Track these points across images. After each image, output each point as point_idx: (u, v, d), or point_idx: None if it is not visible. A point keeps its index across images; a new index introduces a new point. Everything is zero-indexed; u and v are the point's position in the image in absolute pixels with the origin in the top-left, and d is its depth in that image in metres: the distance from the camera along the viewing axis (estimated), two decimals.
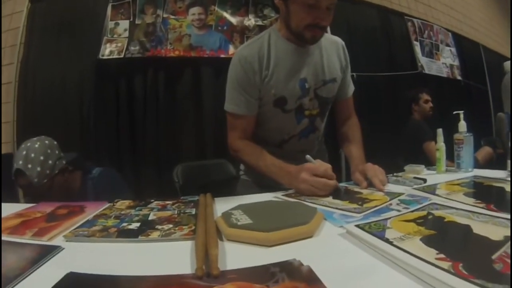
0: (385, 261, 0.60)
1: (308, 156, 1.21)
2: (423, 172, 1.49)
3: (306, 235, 0.75)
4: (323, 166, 1.15)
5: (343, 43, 1.54)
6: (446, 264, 0.53)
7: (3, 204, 1.07)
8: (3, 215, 0.95)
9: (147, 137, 3.10)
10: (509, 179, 1.22)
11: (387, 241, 0.65)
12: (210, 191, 1.18)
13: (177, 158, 2.85)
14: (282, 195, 1.18)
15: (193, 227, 0.81)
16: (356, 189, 1.20)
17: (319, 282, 0.52)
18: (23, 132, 2.86)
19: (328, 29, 3.22)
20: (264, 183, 1.36)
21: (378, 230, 0.71)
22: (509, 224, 0.70)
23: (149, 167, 3.03)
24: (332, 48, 1.48)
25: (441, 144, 1.51)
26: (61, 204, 1.10)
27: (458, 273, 0.50)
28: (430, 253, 0.58)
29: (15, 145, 2.89)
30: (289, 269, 0.57)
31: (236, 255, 0.68)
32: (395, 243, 0.63)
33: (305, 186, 1.14)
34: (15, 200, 2.46)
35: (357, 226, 0.74)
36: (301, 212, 0.87)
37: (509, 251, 0.57)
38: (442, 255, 0.56)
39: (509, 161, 1.30)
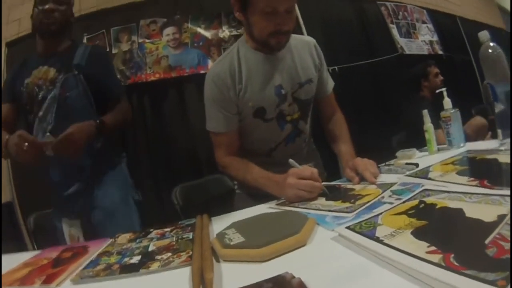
0: (378, 262, 0.59)
1: (291, 160, 1.19)
2: (415, 156, 1.48)
3: (299, 244, 0.75)
4: (308, 169, 1.14)
5: (315, 41, 1.53)
6: (437, 257, 0.51)
7: (12, 255, 1.12)
8: (12, 266, 0.97)
9: (141, 163, 3.07)
10: (502, 148, 1.20)
11: (377, 240, 0.63)
12: (211, 208, 1.20)
13: (173, 179, 2.83)
14: (276, 204, 1.17)
15: (191, 253, 0.81)
16: (349, 185, 1.18)
17: None
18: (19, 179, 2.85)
19: (303, 28, 3.27)
20: (258, 195, 1.34)
21: (368, 229, 0.69)
22: (503, 201, 0.68)
23: (148, 193, 3.00)
24: (303, 49, 1.47)
25: (428, 125, 1.49)
26: (65, 247, 1.11)
27: (449, 266, 0.48)
28: (421, 247, 0.56)
29: (14, 192, 2.87)
30: (281, 283, 0.57)
31: (233, 275, 0.68)
32: (385, 241, 0.62)
33: (292, 191, 1.12)
34: (22, 246, 2.45)
35: (348, 227, 0.73)
36: (292, 221, 0.86)
37: (503, 232, 0.55)
38: (433, 248, 0.55)
39: (499, 130, 1.28)
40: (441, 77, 3.16)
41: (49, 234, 1.57)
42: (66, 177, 1.64)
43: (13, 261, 1.00)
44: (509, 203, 0.66)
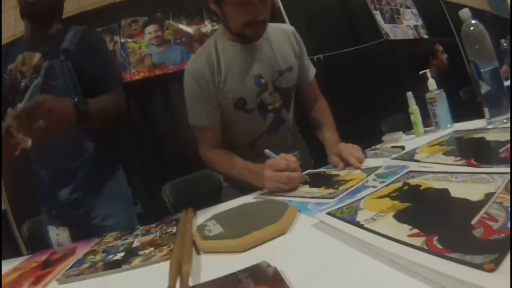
0: (358, 247, 0.56)
1: (267, 151, 1.16)
2: (402, 139, 1.45)
3: (278, 232, 0.73)
4: (284, 159, 1.11)
5: (293, 29, 1.52)
6: (419, 241, 0.48)
7: (4, 261, 1.11)
8: (3, 271, 0.97)
9: (130, 162, 3.04)
10: (489, 127, 1.18)
11: (357, 224, 0.60)
12: (201, 203, 1.20)
13: (163, 177, 2.81)
14: (261, 194, 1.15)
15: (172, 246, 0.81)
16: (334, 172, 1.16)
17: (282, 283, 0.50)
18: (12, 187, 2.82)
19: (286, 18, 3.23)
20: (244, 187, 1.31)
21: (349, 214, 0.66)
22: (490, 179, 0.65)
23: (137, 192, 2.98)
24: (282, 37, 1.46)
25: (414, 107, 1.48)
26: (54, 250, 1.11)
27: (432, 249, 0.45)
28: (403, 230, 0.52)
29: (7, 201, 2.85)
30: (256, 272, 0.55)
31: (212, 267, 0.67)
32: (365, 225, 0.58)
33: (270, 183, 1.10)
34: (18, 254, 2.43)
35: (329, 213, 0.70)
36: (272, 210, 0.84)
37: (491, 211, 0.51)
38: (415, 230, 0.51)
39: (486, 109, 1.25)
40: (445, 55, 3.13)
41: (43, 241, 1.52)
42: (53, 178, 1.44)
43: (5, 267, 1.01)
44: (497, 181, 0.63)
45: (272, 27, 1.43)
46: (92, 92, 1.42)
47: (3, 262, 1.10)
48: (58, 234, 1.43)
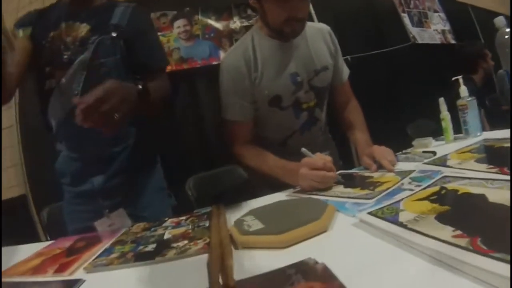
0: (402, 246, 0.58)
1: (303, 149, 1.18)
2: (432, 144, 1.47)
3: (319, 230, 0.74)
4: (321, 159, 1.13)
5: (329, 29, 1.52)
6: (463, 241, 0.51)
7: (25, 246, 1.09)
8: (25, 256, 0.96)
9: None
10: None
11: (401, 225, 0.63)
12: (225, 198, 1.19)
13: (187, 171, 2.84)
14: (294, 192, 1.16)
15: (208, 240, 0.81)
16: (367, 173, 1.18)
17: (334, 279, 0.52)
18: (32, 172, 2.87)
19: (315, 17, 3.24)
20: (273, 184, 1.34)
21: (391, 215, 0.69)
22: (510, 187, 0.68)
23: None
24: (318, 36, 1.47)
25: (445, 113, 1.49)
26: (78, 237, 1.10)
27: (477, 249, 0.48)
28: (446, 231, 0.56)
29: (28, 186, 2.90)
30: (304, 269, 0.57)
31: (253, 262, 0.68)
32: (409, 226, 0.62)
33: (305, 181, 1.12)
34: (36, 239, 2.47)
35: (370, 213, 0.73)
36: (311, 208, 0.86)
37: None
38: (459, 232, 0.55)
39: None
40: (492, 62, 3.06)
41: (62, 228, 1.46)
42: (87, 163, 1.32)
43: (26, 251, 1.01)
44: None
45: (308, 25, 1.43)
46: (141, 72, 1.35)
47: (22, 246, 1.10)
48: (112, 225, 1.27)
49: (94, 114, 0.91)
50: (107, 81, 0.97)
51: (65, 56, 1.28)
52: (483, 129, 1.46)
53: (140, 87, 1.14)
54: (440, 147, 1.38)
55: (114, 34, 1.30)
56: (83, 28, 1.30)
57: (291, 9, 1.25)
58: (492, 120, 2.63)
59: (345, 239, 0.70)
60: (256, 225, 0.81)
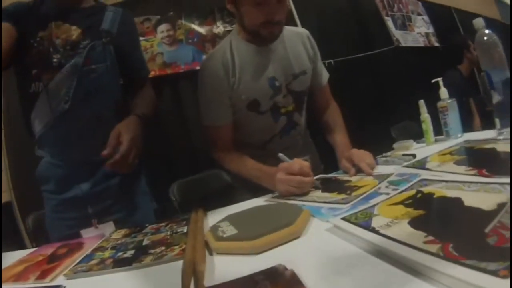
0: (373, 253, 0.57)
1: (280, 154, 1.17)
2: (412, 147, 1.46)
3: (293, 236, 0.74)
4: (297, 163, 1.11)
5: (308, 33, 1.52)
6: (434, 247, 0.49)
7: (9, 253, 1.09)
8: (9, 263, 0.96)
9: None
10: (500, 138, 1.19)
11: (373, 230, 0.61)
12: (209, 203, 1.19)
13: (171, 175, 2.82)
14: (272, 197, 1.16)
15: (184, 246, 0.81)
16: (346, 177, 1.17)
17: (300, 286, 0.51)
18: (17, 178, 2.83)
19: (298, 21, 3.24)
20: (254, 188, 1.32)
21: (364, 220, 0.68)
22: (502, 189, 0.66)
23: None
24: (296, 40, 1.46)
25: (425, 115, 1.49)
26: (61, 244, 1.09)
27: (448, 256, 0.46)
28: (418, 237, 0.54)
29: (12, 192, 2.85)
30: (273, 275, 0.56)
31: (226, 268, 0.67)
32: (381, 231, 0.60)
33: (281, 186, 1.11)
34: (21, 246, 2.43)
35: (343, 218, 0.71)
36: (286, 213, 0.85)
37: (504, 220, 0.53)
38: (430, 237, 0.53)
39: (497, 119, 1.26)
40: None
41: (47, 235, 1.45)
42: (73, 170, 1.29)
43: (10, 258, 1.00)
44: (509, 191, 0.64)
45: (287, 29, 1.43)
46: (127, 79, 1.39)
47: (7, 253, 1.09)
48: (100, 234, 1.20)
49: (123, 164, 1.06)
50: (122, 129, 1.11)
51: (55, 59, 1.24)
52: (473, 124, 1.46)
53: (140, 116, 1.26)
54: (421, 149, 1.37)
55: (105, 40, 1.29)
56: (73, 31, 1.26)
57: (267, 12, 1.24)
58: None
59: (318, 244, 0.69)
60: (231, 231, 0.80)
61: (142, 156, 1.34)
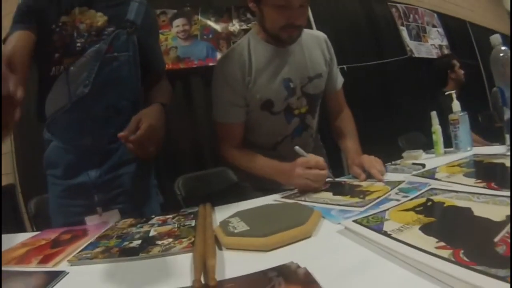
0: (384, 255, 0.58)
1: (297, 148, 1.20)
2: (422, 157, 1.48)
3: (303, 235, 0.74)
4: (314, 158, 1.16)
5: (326, 37, 1.53)
6: (446, 253, 0.51)
7: (10, 235, 1.08)
8: (10, 245, 0.95)
9: None
10: (509, 153, 1.20)
11: (385, 234, 0.63)
12: (213, 199, 1.18)
13: (177, 170, 2.83)
14: (281, 197, 1.16)
15: (193, 239, 0.80)
16: (356, 182, 1.18)
17: (315, 283, 0.52)
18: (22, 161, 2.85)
19: (313, 24, 3.26)
20: (262, 187, 1.34)
21: (376, 223, 0.69)
22: (510, 202, 0.68)
23: None
24: (314, 43, 1.47)
25: (436, 126, 1.49)
26: (64, 229, 1.09)
27: (459, 261, 0.48)
28: (430, 242, 0.56)
29: (17, 175, 2.87)
30: (286, 272, 0.57)
31: (236, 263, 0.67)
32: (393, 235, 0.62)
33: (300, 180, 1.14)
34: (22, 229, 2.45)
35: (355, 221, 0.72)
36: (297, 213, 0.86)
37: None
38: (442, 243, 0.55)
39: (507, 136, 1.28)
40: (462, 71, 3.11)
41: (49, 219, 1.41)
42: (82, 156, 1.27)
43: (11, 241, 1.00)
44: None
45: (305, 32, 1.44)
46: (147, 71, 1.38)
47: (7, 236, 1.08)
48: (104, 223, 1.20)
49: (137, 148, 1.04)
50: (144, 115, 1.10)
51: (78, 44, 1.23)
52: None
53: (163, 103, 1.24)
54: (430, 160, 1.38)
55: (129, 30, 1.28)
56: (99, 18, 1.26)
57: (290, 15, 1.26)
58: (485, 135, 2.64)
59: (329, 245, 0.70)
60: (242, 227, 0.80)
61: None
